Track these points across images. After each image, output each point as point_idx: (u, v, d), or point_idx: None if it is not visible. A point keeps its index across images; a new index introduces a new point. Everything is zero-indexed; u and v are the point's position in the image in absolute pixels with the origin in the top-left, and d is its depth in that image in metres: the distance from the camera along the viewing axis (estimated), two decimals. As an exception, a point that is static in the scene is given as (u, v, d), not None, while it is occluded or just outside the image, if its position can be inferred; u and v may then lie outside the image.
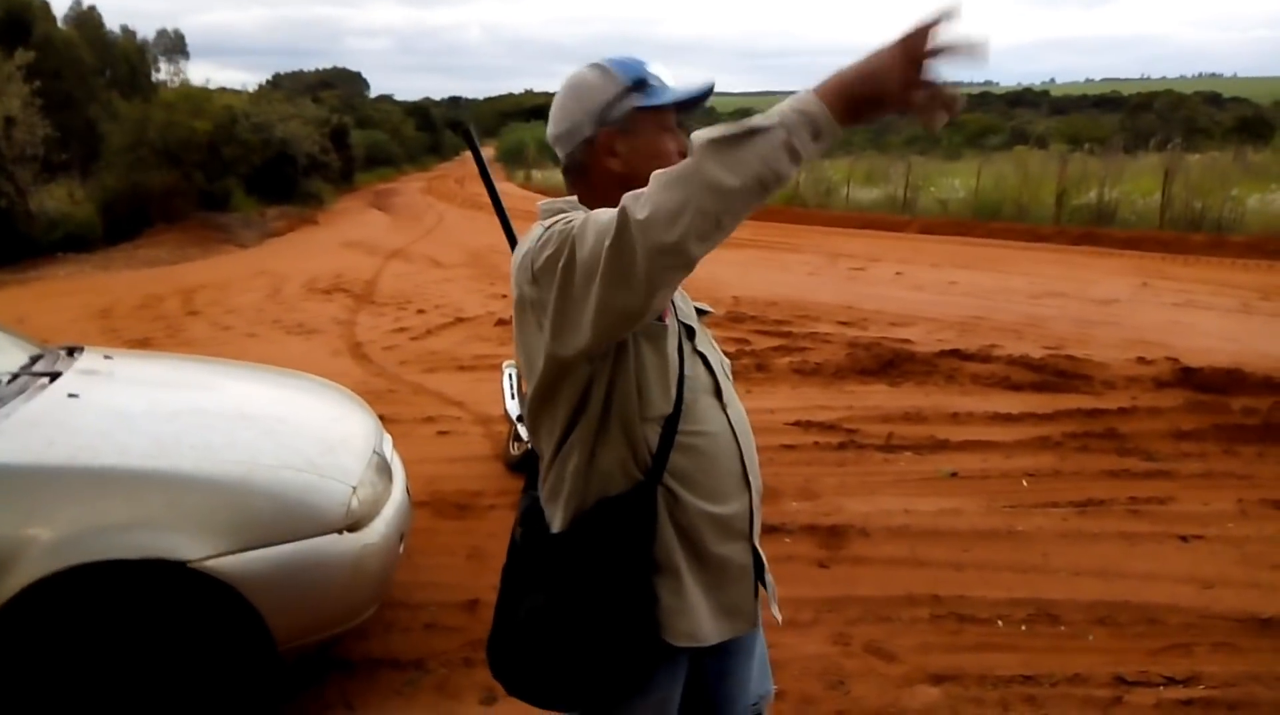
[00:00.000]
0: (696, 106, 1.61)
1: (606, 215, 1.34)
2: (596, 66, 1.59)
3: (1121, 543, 4.14)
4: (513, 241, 1.72)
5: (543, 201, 1.60)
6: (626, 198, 1.31)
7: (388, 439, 3.63)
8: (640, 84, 1.56)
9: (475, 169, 2.02)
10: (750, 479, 1.65)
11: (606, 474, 1.53)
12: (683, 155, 1.40)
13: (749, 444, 1.67)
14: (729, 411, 1.64)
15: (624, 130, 1.55)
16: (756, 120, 1.26)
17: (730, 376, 1.71)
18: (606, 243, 1.31)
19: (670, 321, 1.57)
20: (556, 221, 1.45)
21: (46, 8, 29.17)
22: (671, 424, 1.52)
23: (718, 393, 1.63)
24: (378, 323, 9.73)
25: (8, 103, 16.54)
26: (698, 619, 1.56)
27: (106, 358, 3.73)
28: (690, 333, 1.63)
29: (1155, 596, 3.62)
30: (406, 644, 3.33)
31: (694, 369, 1.59)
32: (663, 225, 1.26)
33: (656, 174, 1.30)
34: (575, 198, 1.60)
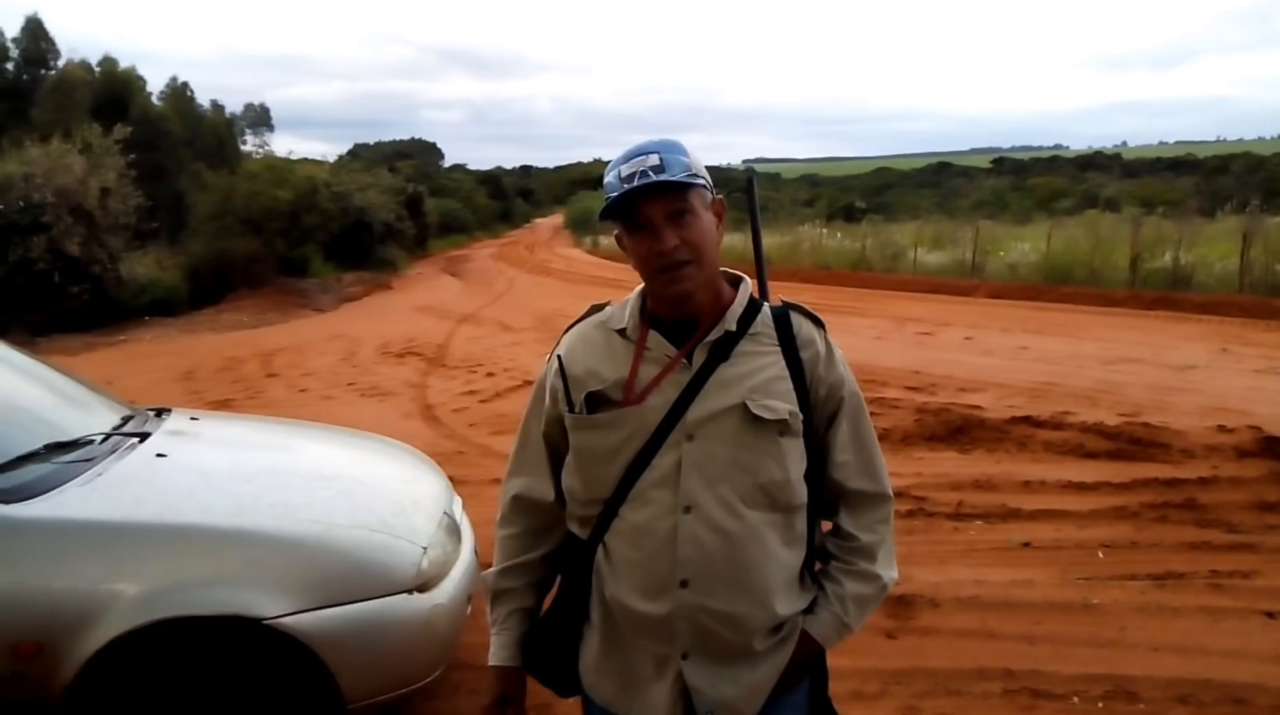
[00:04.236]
0: (659, 197, 1.52)
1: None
2: None
3: (1203, 618, 4.00)
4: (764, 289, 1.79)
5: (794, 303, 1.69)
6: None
7: (457, 500, 3.70)
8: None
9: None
10: (686, 592, 1.52)
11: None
12: (659, 253, 1.51)
13: (706, 556, 1.52)
14: (687, 514, 1.52)
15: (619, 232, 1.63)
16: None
17: (743, 487, 1.54)
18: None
19: (633, 416, 1.57)
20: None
21: (143, 83, 30.95)
22: (611, 505, 1.59)
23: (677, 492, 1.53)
24: (448, 385, 9.93)
25: (104, 174, 17.41)
26: (591, 668, 1.68)
27: (193, 419, 3.89)
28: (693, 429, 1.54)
29: (1240, 675, 3.48)
30: (473, 706, 3.34)
31: (661, 460, 1.55)
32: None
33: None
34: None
